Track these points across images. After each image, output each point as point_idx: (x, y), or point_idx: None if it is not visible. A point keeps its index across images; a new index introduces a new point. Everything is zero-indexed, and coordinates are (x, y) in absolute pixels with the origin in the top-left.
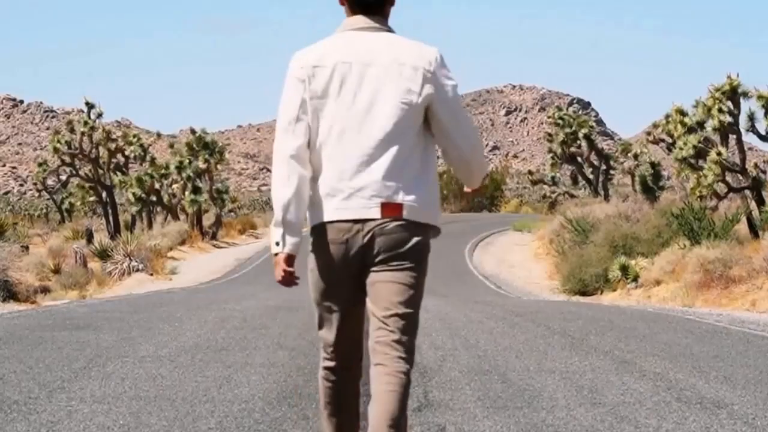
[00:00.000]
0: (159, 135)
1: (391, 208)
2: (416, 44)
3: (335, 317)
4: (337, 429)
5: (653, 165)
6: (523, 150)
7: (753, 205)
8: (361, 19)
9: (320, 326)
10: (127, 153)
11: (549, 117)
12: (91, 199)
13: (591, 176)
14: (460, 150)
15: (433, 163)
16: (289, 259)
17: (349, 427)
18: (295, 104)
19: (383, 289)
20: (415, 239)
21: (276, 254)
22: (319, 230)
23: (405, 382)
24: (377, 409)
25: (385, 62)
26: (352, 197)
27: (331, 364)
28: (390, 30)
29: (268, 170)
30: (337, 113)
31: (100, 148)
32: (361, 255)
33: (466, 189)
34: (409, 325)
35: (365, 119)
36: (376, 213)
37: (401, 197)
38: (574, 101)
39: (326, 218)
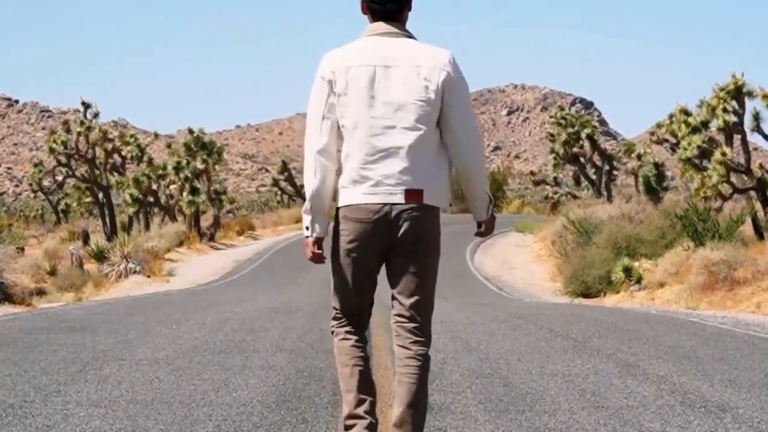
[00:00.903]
0: (156, 135)
1: (413, 194)
2: (431, 48)
3: (356, 285)
4: (355, 394)
5: (657, 165)
6: (525, 150)
7: (758, 206)
8: (382, 26)
9: (339, 294)
10: (124, 153)
11: (551, 117)
12: (88, 200)
13: (594, 177)
14: (461, 145)
15: (446, 154)
16: (318, 242)
17: (366, 393)
18: (321, 103)
19: (405, 281)
20: (430, 222)
21: (307, 237)
22: (348, 211)
23: (424, 364)
24: (401, 386)
25: (404, 64)
26: (379, 184)
27: (345, 324)
28: (409, 34)
29: (267, 171)
30: (362, 110)
31: (97, 149)
32: (386, 233)
33: (475, 213)
34: (427, 309)
35: (388, 115)
36: (400, 198)
37: (421, 184)
38: (577, 101)
39: (355, 201)
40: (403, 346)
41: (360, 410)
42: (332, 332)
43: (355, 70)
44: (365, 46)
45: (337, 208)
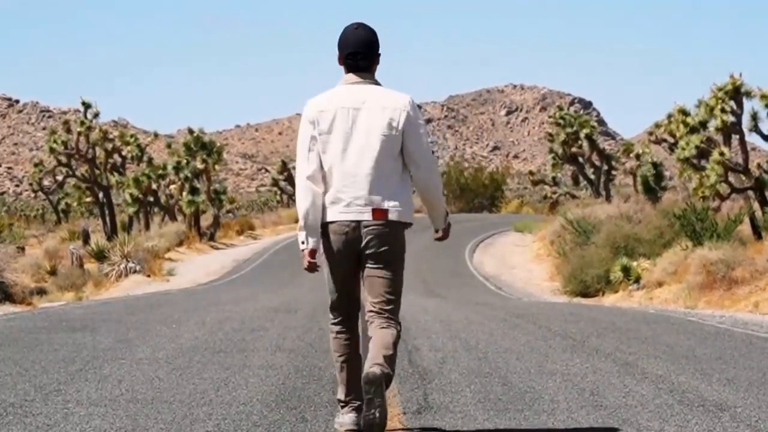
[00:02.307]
0: (156, 135)
1: (379, 213)
2: (394, 93)
3: (340, 283)
4: (345, 377)
5: (655, 165)
6: (524, 150)
7: (756, 205)
8: (353, 76)
9: (331, 292)
10: (124, 153)
11: (550, 117)
12: (88, 199)
13: (592, 176)
14: (420, 170)
15: (408, 178)
16: (312, 253)
17: (356, 377)
18: (307, 139)
19: (374, 281)
20: (394, 235)
21: (302, 250)
22: (328, 226)
23: (396, 334)
24: (376, 342)
25: (372, 107)
26: (351, 204)
27: (338, 320)
28: (376, 82)
29: (267, 170)
30: (339, 144)
31: (97, 149)
32: (357, 244)
33: (434, 225)
34: (395, 306)
35: (359, 148)
36: (368, 216)
37: (386, 204)
38: (576, 101)
39: (333, 218)
40: (377, 326)
41: (348, 398)
42: (330, 326)
43: (332, 112)
44: (341, 93)
45: (322, 224)
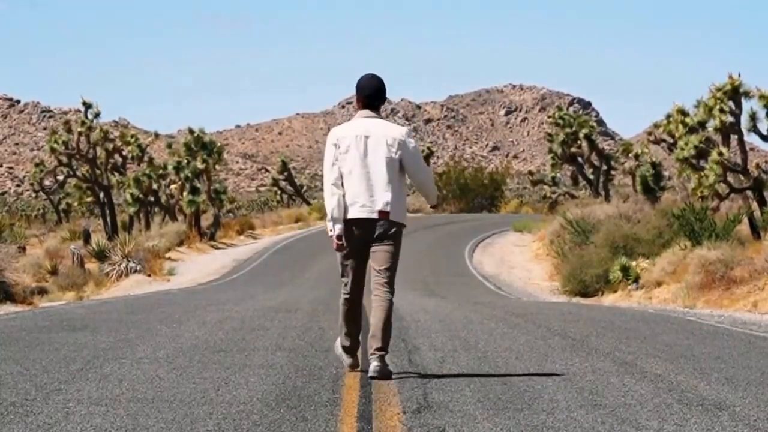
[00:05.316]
0: (157, 135)
1: (383, 213)
2: (395, 126)
3: (351, 268)
4: (349, 332)
5: (654, 165)
6: (524, 150)
7: (755, 205)
8: (367, 112)
9: (342, 275)
10: (124, 153)
11: (549, 117)
12: (89, 199)
13: (591, 176)
14: (418, 181)
15: (403, 188)
16: (339, 237)
17: (356, 332)
18: (331, 157)
19: (379, 256)
20: (394, 229)
21: (331, 235)
22: (349, 222)
23: (390, 304)
24: (375, 317)
25: (378, 135)
26: (364, 207)
27: (348, 295)
28: (381, 117)
29: (267, 170)
30: (354, 162)
31: (98, 149)
32: (367, 236)
33: (429, 205)
34: (392, 274)
35: (368, 166)
36: (376, 215)
37: (388, 207)
38: (575, 101)
39: (352, 216)
40: (377, 294)
41: (350, 347)
42: (341, 301)
43: (350, 138)
44: (357, 124)
45: (344, 221)
